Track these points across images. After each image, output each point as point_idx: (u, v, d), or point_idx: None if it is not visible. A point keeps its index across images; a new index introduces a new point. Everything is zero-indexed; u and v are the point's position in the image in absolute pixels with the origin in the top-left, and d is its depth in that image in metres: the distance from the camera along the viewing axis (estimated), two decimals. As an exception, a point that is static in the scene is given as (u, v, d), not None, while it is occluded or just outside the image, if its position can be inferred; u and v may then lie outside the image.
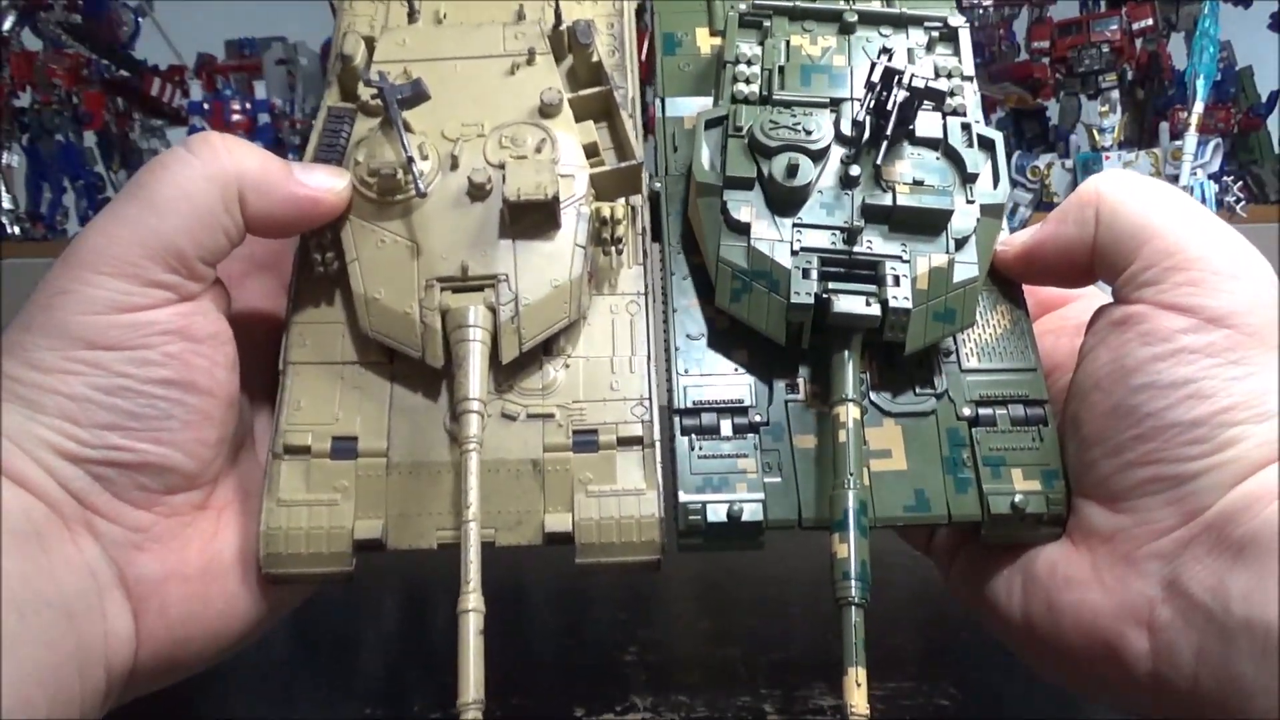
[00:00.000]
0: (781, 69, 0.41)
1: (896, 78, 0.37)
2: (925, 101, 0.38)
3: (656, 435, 0.37)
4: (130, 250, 0.35)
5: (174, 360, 0.36)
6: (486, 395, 0.36)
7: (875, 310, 0.36)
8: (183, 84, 1.72)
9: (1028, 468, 0.36)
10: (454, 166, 0.40)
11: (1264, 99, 1.59)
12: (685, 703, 0.42)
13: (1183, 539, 0.32)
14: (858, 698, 0.32)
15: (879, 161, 0.38)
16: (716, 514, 0.36)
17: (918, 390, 0.38)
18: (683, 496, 0.36)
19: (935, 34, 0.42)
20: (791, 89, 0.40)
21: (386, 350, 0.39)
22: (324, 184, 0.40)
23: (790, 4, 0.43)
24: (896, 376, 0.38)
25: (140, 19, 1.70)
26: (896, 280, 0.36)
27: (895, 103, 0.37)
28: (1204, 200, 1.34)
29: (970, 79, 0.42)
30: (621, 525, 0.36)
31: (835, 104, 0.40)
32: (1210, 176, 1.43)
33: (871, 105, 0.38)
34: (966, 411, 0.37)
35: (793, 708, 0.41)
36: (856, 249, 0.37)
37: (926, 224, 0.37)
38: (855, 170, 0.38)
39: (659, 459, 0.37)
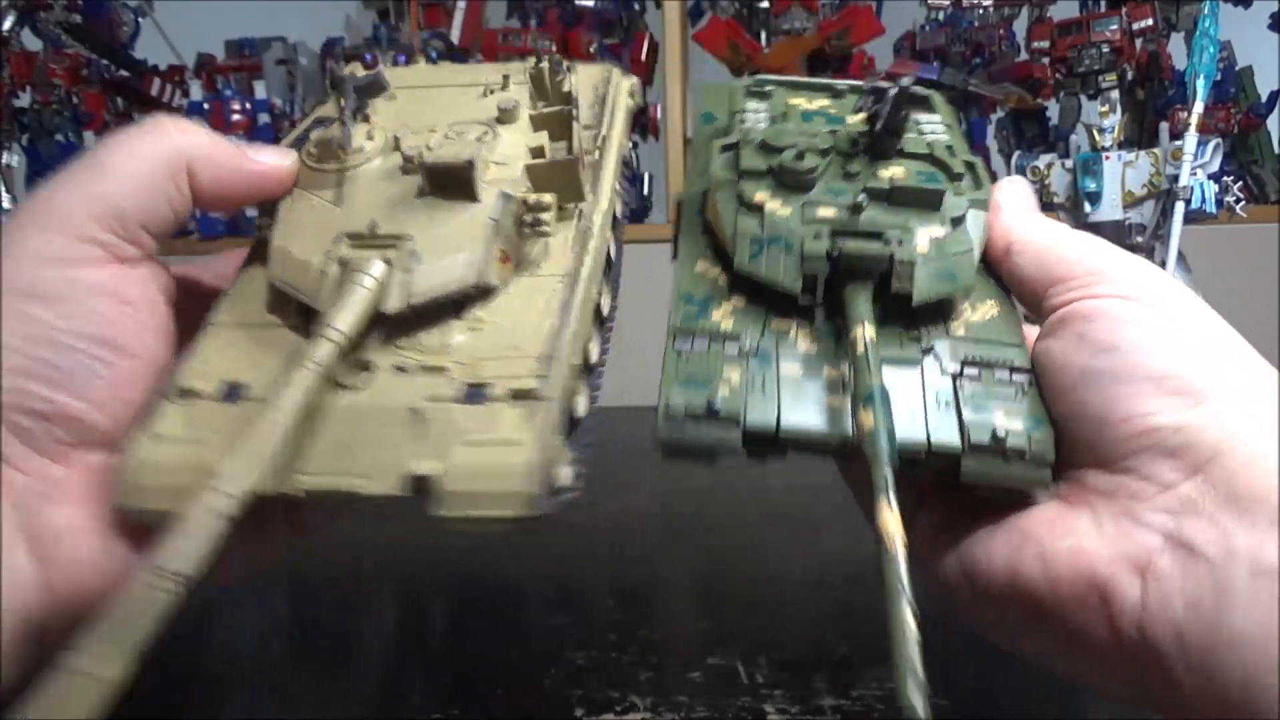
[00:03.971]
0: (784, 114, 0.47)
1: (886, 91, 0.41)
2: (912, 109, 0.43)
3: (555, 395, 0.35)
4: (73, 209, 0.37)
5: (102, 318, 0.36)
6: (354, 334, 0.36)
7: (886, 252, 0.39)
8: (183, 84, 1.72)
9: (1011, 413, 0.36)
10: (396, 147, 0.42)
11: (1264, 99, 1.59)
12: (685, 702, 0.42)
13: (1189, 496, 0.32)
14: (890, 521, 0.32)
15: (873, 163, 0.42)
16: (694, 407, 0.36)
17: (904, 343, 0.39)
18: (663, 393, 0.37)
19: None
20: (794, 124, 0.46)
21: (305, 312, 0.38)
22: (271, 160, 0.42)
23: (788, 79, 0.51)
24: (888, 332, 0.39)
25: (140, 19, 1.70)
26: (900, 241, 0.39)
27: (885, 109, 0.41)
28: (1204, 200, 1.34)
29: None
30: (493, 473, 0.33)
31: (832, 134, 0.44)
32: (1210, 176, 1.43)
33: (865, 115, 0.42)
34: (952, 367, 0.38)
35: (792, 708, 0.41)
36: (862, 220, 0.40)
37: (924, 202, 0.40)
38: (854, 168, 0.42)
39: (555, 418, 0.35)
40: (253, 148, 0.42)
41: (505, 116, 0.44)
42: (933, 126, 0.46)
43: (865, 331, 0.37)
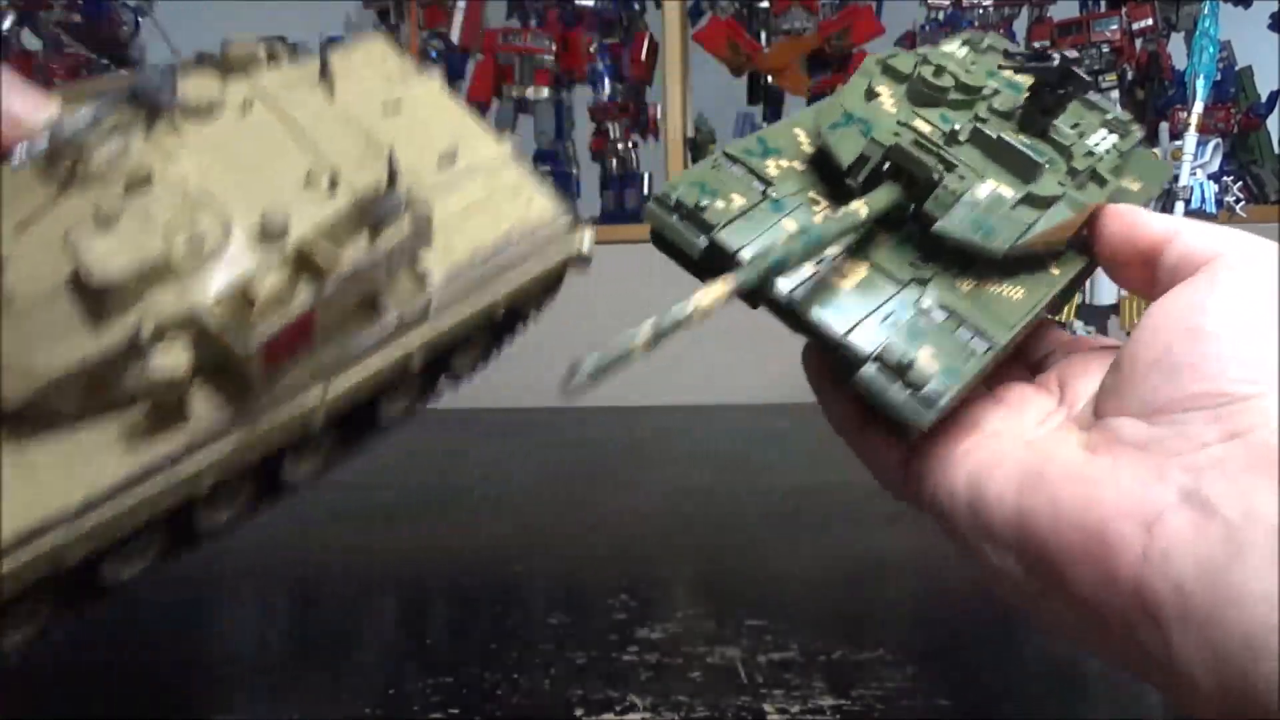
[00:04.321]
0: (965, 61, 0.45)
1: (1051, 61, 0.39)
2: (1074, 90, 0.41)
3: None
4: None
5: None
6: None
7: (935, 171, 0.39)
8: (183, 84, 1.72)
9: (939, 357, 0.37)
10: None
11: (1264, 99, 1.60)
12: (685, 702, 0.42)
13: (1218, 456, 0.31)
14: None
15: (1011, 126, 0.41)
16: (686, 203, 0.38)
17: (903, 263, 0.39)
18: (671, 180, 0.39)
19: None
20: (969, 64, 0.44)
21: None
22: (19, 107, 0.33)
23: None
24: (900, 249, 0.40)
25: (140, 19, 1.70)
26: (962, 177, 0.39)
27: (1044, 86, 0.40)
28: (1204, 200, 1.34)
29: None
30: None
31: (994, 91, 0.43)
32: (1210, 176, 1.43)
33: (1029, 80, 0.41)
34: (927, 305, 0.38)
35: (792, 707, 0.41)
36: (949, 148, 0.40)
37: (1017, 166, 0.40)
38: (986, 114, 0.41)
39: None
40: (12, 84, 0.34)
41: (267, 230, 0.32)
42: (1105, 140, 0.43)
43: (856, 206, 0.37)
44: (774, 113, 1.73)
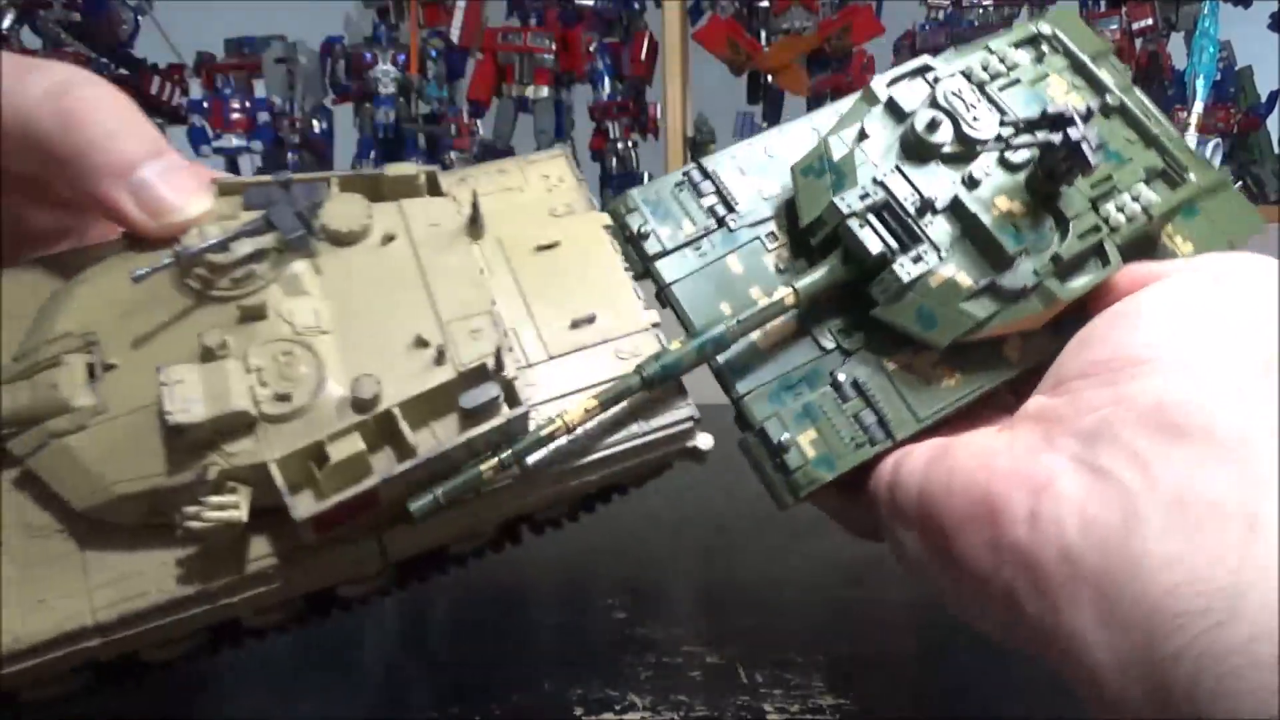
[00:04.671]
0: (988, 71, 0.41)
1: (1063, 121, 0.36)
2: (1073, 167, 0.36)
3: None
4: None
5: None
6: None
7: (879, 252, 0.36)
8: (182, 82, 1.72)
9: (822, 444, 0.37)
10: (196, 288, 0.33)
11: (1264, 99, 1.59)
12: (685, 702, 0.42)
13: (1109, 419, 0.30)
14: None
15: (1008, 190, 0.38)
16: (634, 214, 0.40)
17: (834, 328, 0.39)
18: (639, 187, 0.40)
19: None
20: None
21: None
22: (172, 198, 0.34)
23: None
24: (836, 315, 0.39)
25: (140, 17, 1.70)
26: (918, 259, 0.37)
27: (1059, 165, 0.36)
28: (1203, 200, 1.34)
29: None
30: None
31: (1005, 139, 0.39)
32: (1210, 176, 1.42)
33: (1038, 151, 0.37)
34: (843, 380, 0.38)
35: (791, 707, 0.41)
36: (920, 219, 0.37)
37: (988, 253, 0.37)
38: (980, 175, 0.38)
39: None
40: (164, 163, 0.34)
41: (364, 406, 0.31)
42: (1142, 196, 0.39)
43: (785, 294, 0.36)
44: (774, 112, 1.73)
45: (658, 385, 0.35)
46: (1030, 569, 0.29)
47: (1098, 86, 0.42)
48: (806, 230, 0.39)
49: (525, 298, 0.36)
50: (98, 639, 0.31)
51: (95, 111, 0.33)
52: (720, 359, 0.38)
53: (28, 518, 0.31)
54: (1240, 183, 1.49)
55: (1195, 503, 0.27)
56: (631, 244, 0.40)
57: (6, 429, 0.31)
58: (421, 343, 0.32)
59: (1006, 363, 0.38)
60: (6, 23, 1.61)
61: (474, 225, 0.37)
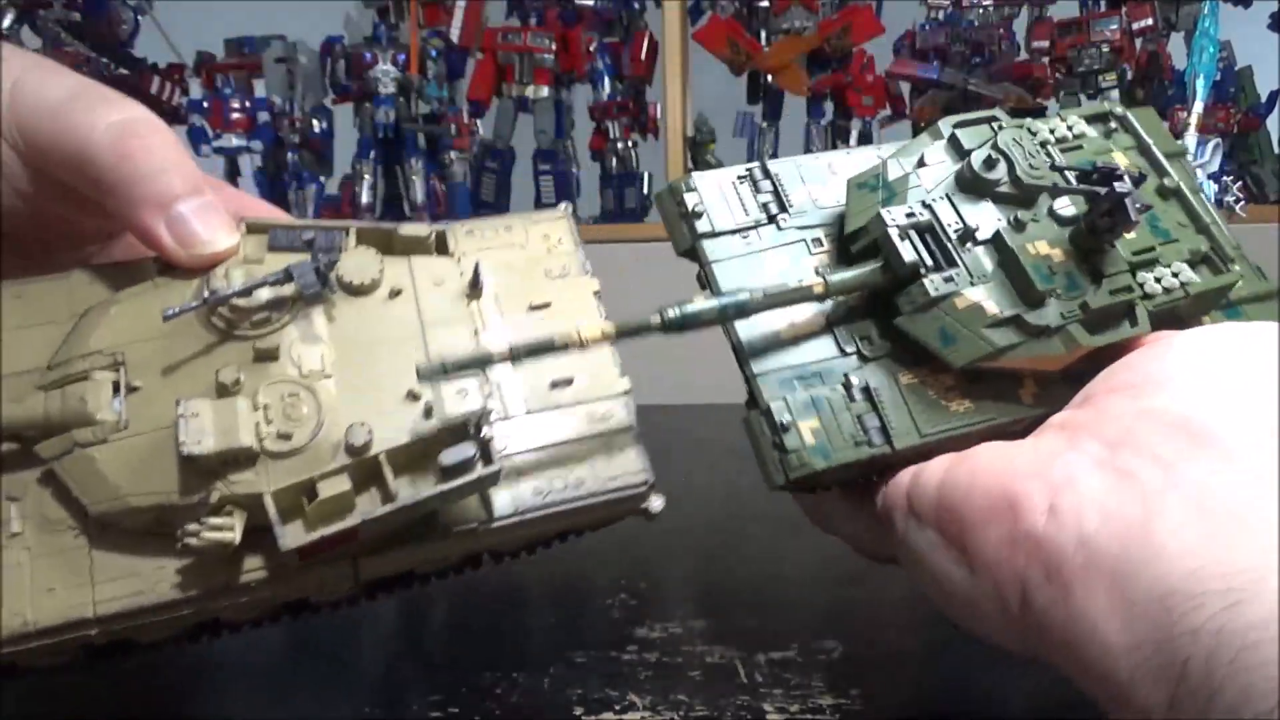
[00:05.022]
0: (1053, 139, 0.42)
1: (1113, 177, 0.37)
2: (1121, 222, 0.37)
3: None
4: None
5: None
6: None
7: (912, 260, 0.38)
8: (182, 82, 1.72)
9: (825, 433, 0.38)
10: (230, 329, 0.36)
11: (1264, 99, 1.60)
12: (684, 702, 0.42)
13: (1133, 427, 0.31)
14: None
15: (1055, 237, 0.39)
16: (688, 208, 0.41)
17: (859, 334, 0.39)
18: (690, 175, 0.42)
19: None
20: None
21: None
22: (206, 234, 0.37)
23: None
24: (863, 323, 0.40)
25: (140, 17, 1.70)
26: (949, 280, 0.38)
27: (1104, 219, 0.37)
28: (1203, 200, 1.34)
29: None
30: None
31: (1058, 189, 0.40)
32: (1210, 176, 1.43)
33: (1087, 208, 0.38)
34: (857, 384, 0.38)
35: (791, 706, 0.41)
36: (960, 245, 0.39)
37: (1020, 287, 0.38)
38: (1028, 219, 0.39)
39: None
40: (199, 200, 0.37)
41: (355, 451, 0.34)
42: (1181, 274, 0.39)
43: (814, 282, 0.38)
44: (774, 112, 1.73)
45: (675, 331, 0.36)
46: (1046, 557, 0.30)
47: (1160, 170, 0.44)
48: (850, 238, 0.40)
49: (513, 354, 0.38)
50: (96, 629, 0.34)
51: (149, 153, 0.37)
52: (743, 336, 0.39)
53: (46, 512, 0.35)
54: (1240, 182, 1.49)
55: (1216, 501, 0.28)
56: (684, 220, 0.41)
57: (36, 433, 0.35)
58: (413, 396, 0.35)
59: (1020, 403, 0.39)
60: (6, 22, 1.61)
61: (474, 288, 0.40)
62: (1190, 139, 1.33)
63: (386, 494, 0.34)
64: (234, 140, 1.70)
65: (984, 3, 1.65)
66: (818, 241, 0.41)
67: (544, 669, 0.44)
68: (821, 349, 0.39)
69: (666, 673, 0.44)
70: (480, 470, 0.34)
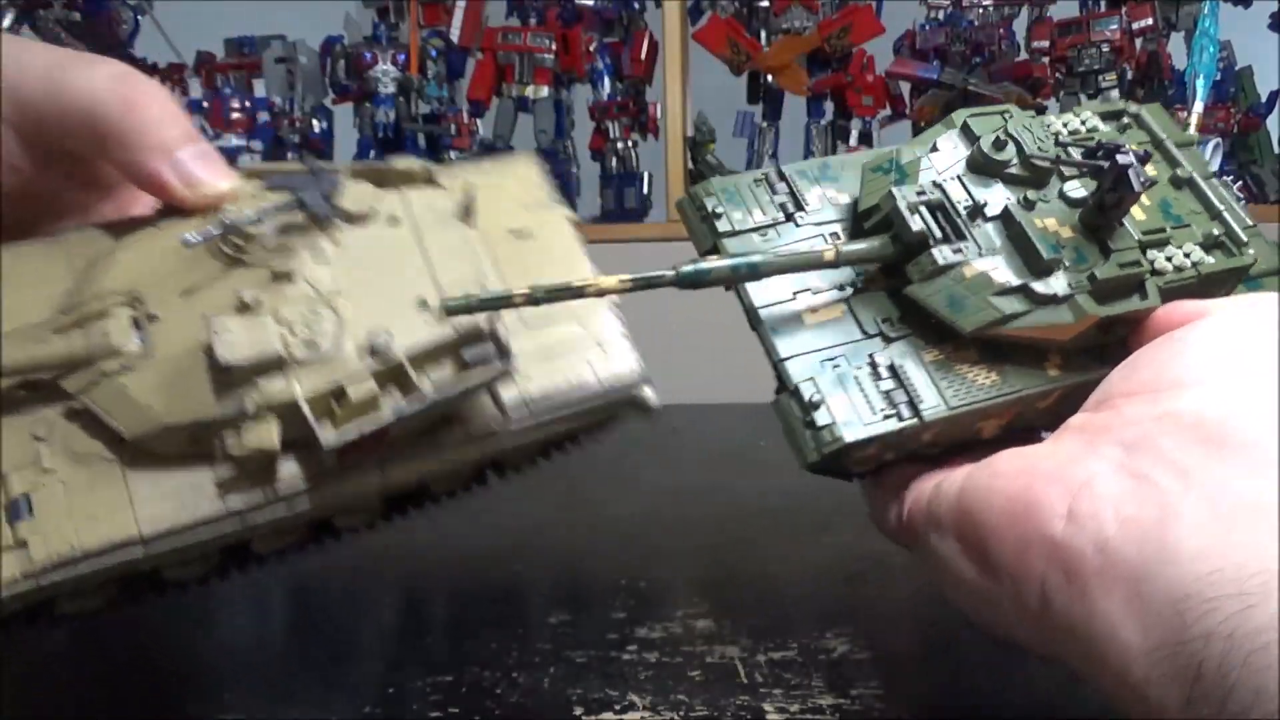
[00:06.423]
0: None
1: (1115, 154, 0.37)
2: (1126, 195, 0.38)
3: None
4: None
5: None
6: None
7: (919, 229, 0.39)
8: (182, 82, 1.72)
9: (850, 409, 0.38)
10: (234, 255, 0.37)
11: (1264, 99, 1.60)
12: (685, 701, 0.42)
13: (1150, 432, 0.32)
14: None
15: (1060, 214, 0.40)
16: (705, 207, 0.42)
17: (877, 314, 0.40)
18: (710, 179, 0.43)
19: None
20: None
21: None
22: (202, 173, 0.39)
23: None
24: (880, 296, 0.40)
25: (140, 17, 1.70)
26: (958, 250, 0.38)
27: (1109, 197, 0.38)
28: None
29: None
30: None
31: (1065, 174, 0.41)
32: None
33: (1092, 179, 0.39)
34: (882, 365, 0.39)
35: (791, 706, 0.41)
36: (970, 221, 0.39)
37: (1028, 259, 0.39)
38: (1037, 199, 0.40)
39: None
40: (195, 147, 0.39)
41: (372, 343, 0.36)
42: (1193, 253, 0.41)
43: (825, 249, 0.38)
44: (774, 112, 1.73)
45: (688, 286, 0.37)
46: (1064, 560, 0.30)
47: (1172, 161, 0.44)
48: (863, 216, 0.41)
49: (504, 280, 0.41)
50: (141, 550, 0.36)
51: (150, 99, 0.39)
52: (766, 322, 0.40)
53: (75, 446, 0.36)
54: (1240, 182, 1.49)
55: (1232, 504, 0.28)
56: (705, 222, 0.42)
57: (60, 370, 0.36)
58: (424, 304, 0.37)
59: (1045, 375, 0.39)
60: (6, 22, 1.61)
61: (467, 214, 0.41)
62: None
63: (411, 393, 0.36)
64: (234, 140, 1.70)
65: (984, 3, 1.65)
66: (835, 235, 0.42)
67: (544, 669, 0.44)
68: (844, 332, 0.40)
69: (666, 673, 0.44)
70: (499, 366, 0.36)
